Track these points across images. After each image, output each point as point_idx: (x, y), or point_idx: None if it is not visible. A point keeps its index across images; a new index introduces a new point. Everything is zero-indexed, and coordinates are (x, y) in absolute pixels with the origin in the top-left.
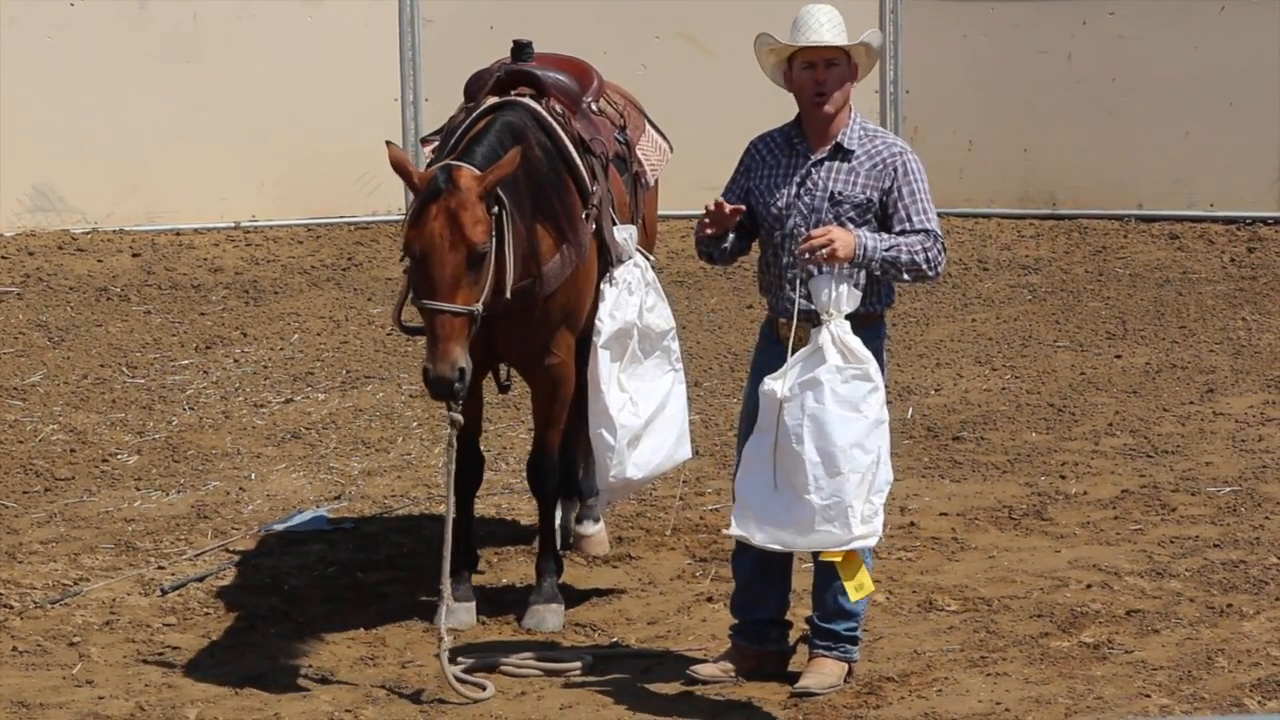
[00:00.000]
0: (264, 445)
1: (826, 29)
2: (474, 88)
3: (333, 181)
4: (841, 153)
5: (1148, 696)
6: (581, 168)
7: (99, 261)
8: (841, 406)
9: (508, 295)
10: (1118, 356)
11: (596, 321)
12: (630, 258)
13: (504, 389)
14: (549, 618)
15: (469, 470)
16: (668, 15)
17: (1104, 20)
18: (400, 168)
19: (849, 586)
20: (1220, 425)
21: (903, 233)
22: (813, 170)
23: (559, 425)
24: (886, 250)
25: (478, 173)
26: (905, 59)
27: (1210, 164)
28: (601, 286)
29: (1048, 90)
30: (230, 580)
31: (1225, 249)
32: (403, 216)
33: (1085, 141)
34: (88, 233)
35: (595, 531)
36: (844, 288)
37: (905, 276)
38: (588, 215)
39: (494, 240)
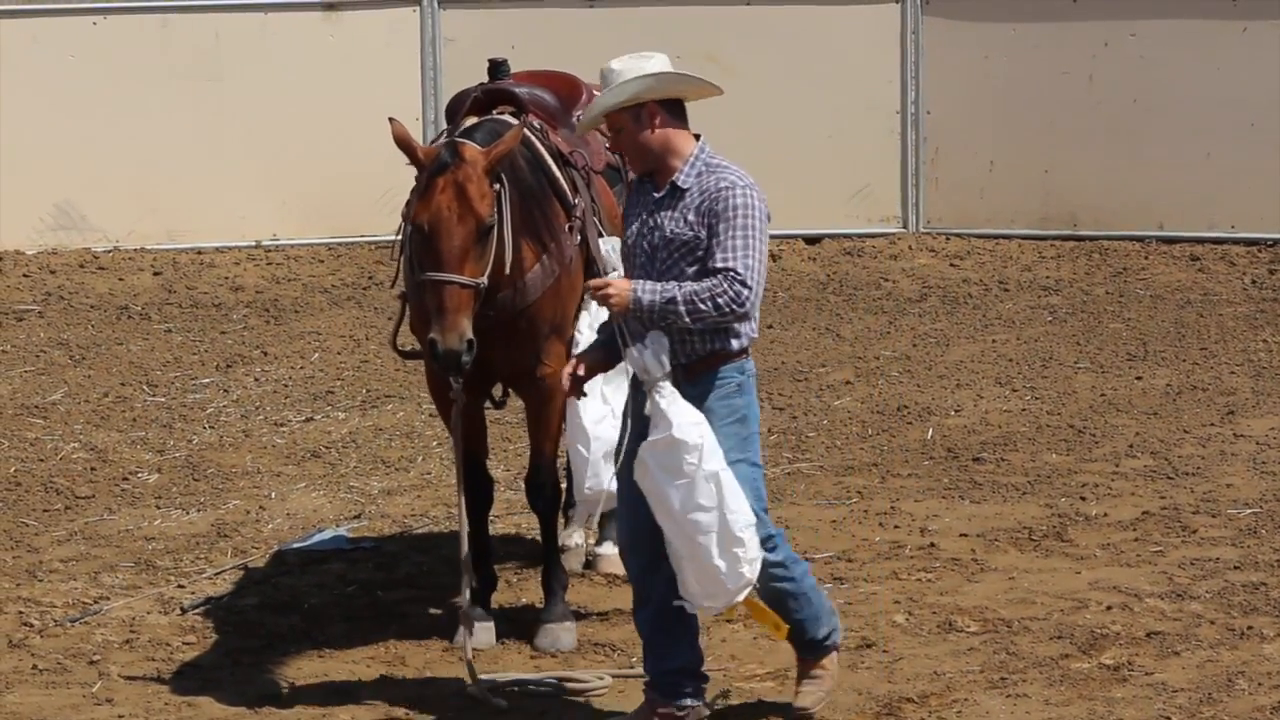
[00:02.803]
0: (284, 464)
1: (600, 100)
2: (454, 109)
3: (354, 200)
4: (676, 192)
5: (1168, 719)
6: (561, 180)
7: (120, 280)
8: (666, 475)
9: (507, 271)
10: (1138, 378)
11: (575, 334)
12: (616, 269)
13: (499, 405)
14: (563, 636)
15: (479, 492)
16: (690, 36)
17: (1125, 41)
18: (403, 143)
19: (770, 632)
20: (1241, 447)
21: (708, 273)
22: (654, 211)
23: (555, 438)
24: (665, 301)
25: (481, 148)
26: (926, 80)
27: (1231, 185)
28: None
29: (1069, 111)
30: (250, 599)
31: (1246, 270)
32: None
33: (1106, 162)
34: (109, 251)
35: (613, 552)
36: (646, 352)
37: (704, 321)
38: (571, 227)
39: (496, 216)
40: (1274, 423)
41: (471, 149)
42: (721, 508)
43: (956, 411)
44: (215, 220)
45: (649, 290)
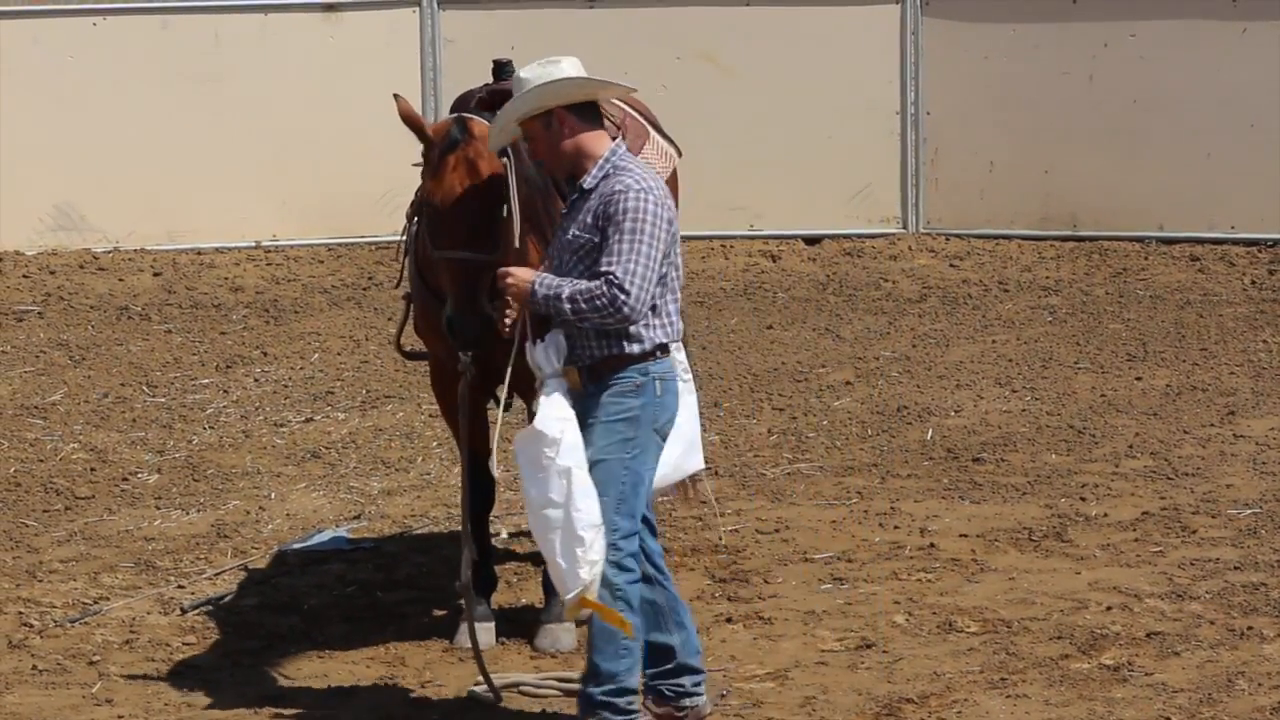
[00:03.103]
0: (284, 464)
1: (507, 109)
2: (458, 109)
3: (354, 201)
4: (583, 194)
5: (1168, 719)
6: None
7: (120, 280)
8: (529, 467)
9: (516, 244)
10: (1138, 378)
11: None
12: None
13: (506, 406)
14: (563, 636)
15: (481, 492)
16: (689, 36)
17: (1125, 42)
18: (411, 119)
19: (619, 629)
20: (1241, 448)
21: (595, 275)
22: (568, 212)
23: None
24: (554, 297)
25: (489, 124)
26: (926, 80)
27: (1231, 185)
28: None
29: (1069, 112)
30: (250, 599)
31: (1246, 271)
32: None
33: (1106, 163)
34: (109, 252)
35: None
36: (539, 349)
37: (589, 322)
38: None
39: (507, 191)
40: (1274, 423)
41: (480, 124)
42: (568, 504)
43: (956, 412)
44: (215, 221)
45: (544, 284)
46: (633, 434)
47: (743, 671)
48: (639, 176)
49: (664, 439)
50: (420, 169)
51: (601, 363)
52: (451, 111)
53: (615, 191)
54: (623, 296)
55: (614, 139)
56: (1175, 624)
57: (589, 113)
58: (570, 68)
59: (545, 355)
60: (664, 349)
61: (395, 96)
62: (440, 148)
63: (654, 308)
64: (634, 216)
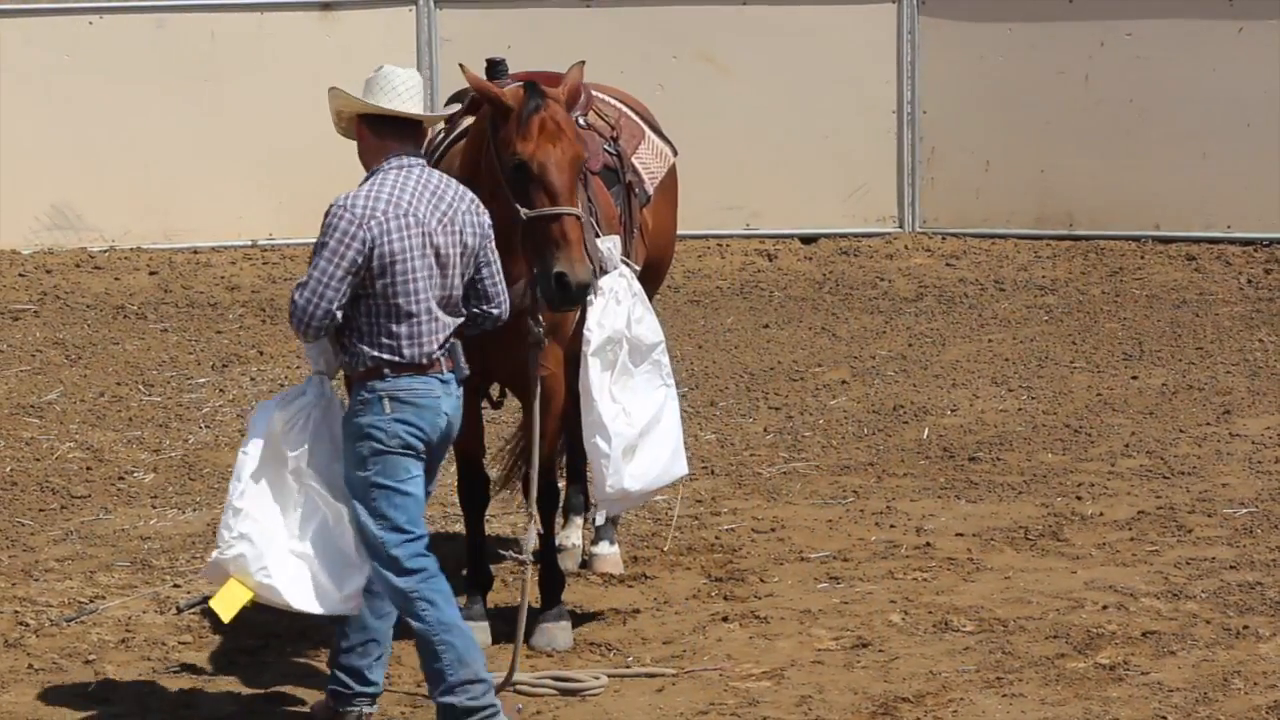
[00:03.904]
0: None
1: (417, 100)
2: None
3: None
4: None
5: (1164, 718)
6: None
7: (116, 279)
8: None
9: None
10: (1134, 377)
11: (585, 331)
12: (615, 268)
13: (496, 405)
14: (559, 635)
15: (476, 491)
16: (685, 35)
17: (1121, 41)
18: (482, 88)
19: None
20: (1237, 447)
21: None
22: None
23: (551, 438)
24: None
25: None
26: (922, 79)
27: (1228, 185)
28: (588, 297)
29: (1065, 111)
30: None
31: (1242, 270)
32: None
33: (1102, 162)
34: (105, 251)
35: (609, 552)
36: (312, 349)
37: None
38: None
39: None
40: (1270, 422)
41: (550, 90)
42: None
43: (953, 411)
44: (211, 220)
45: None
46: (366, 451)
47: (739, 670)
48: (350, 193)
49: (432, 456)
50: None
51: (348, 374)
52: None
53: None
54: (293, 306)
55: (422, 156)
56: (1171, 623)
57: (386, 128)
58: (383, 83)
59: (310, 354)
60: (394, 367)
61: (461, 67)
62: (525, 109)
63: (367, 326)
64: (324, 230)
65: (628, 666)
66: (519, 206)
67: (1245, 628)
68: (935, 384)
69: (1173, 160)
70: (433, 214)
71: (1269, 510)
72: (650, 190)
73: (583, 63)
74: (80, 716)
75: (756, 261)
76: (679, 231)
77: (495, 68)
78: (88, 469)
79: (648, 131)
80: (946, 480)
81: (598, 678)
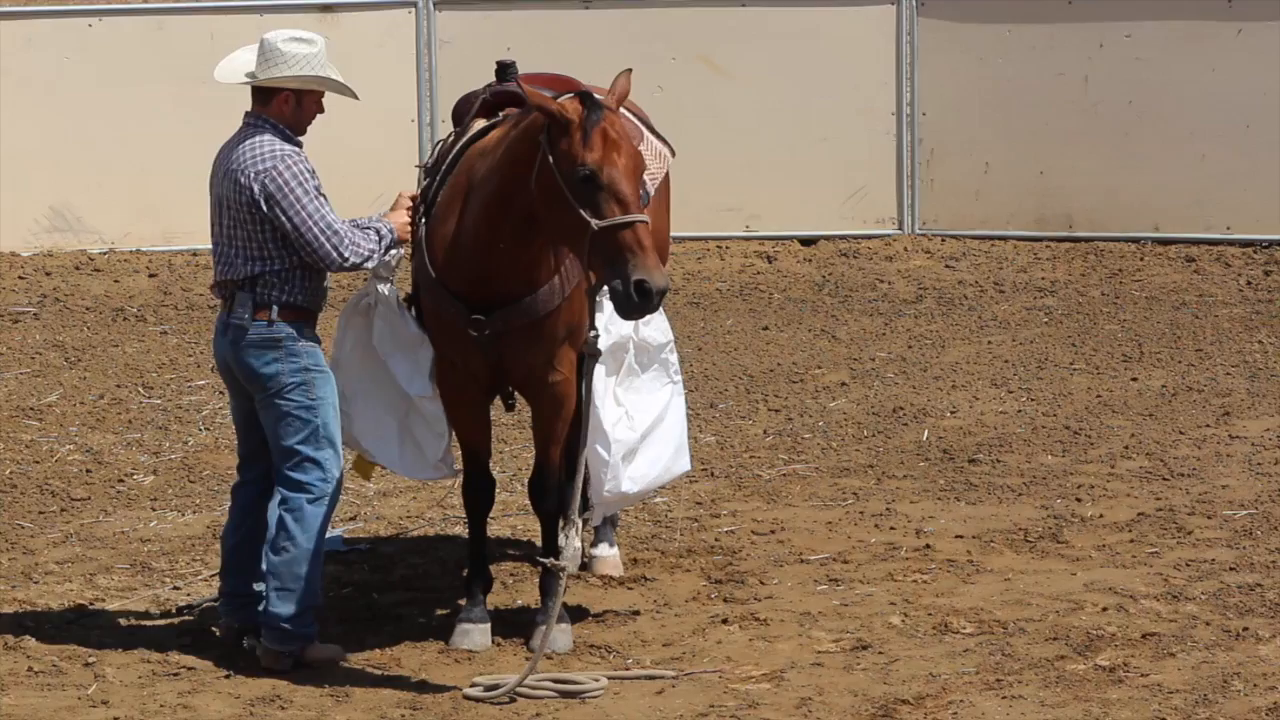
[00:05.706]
0: None
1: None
2: (461, 111)
3: (349, 202)
4: None
5: None
6: None
7: (115, 282)
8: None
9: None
10: (1134, 379)
11: (590, 335)
12: None
13: (510, 407)
14: (558, 638)
15: (481, 493)
16: (684, 37)
17: (1121, 43)
18: (539, 102)
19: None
20: (1236, 448)
21: None
22: None
23: (561, 442)
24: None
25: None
26: (921, 81)
27: (1227, 187)
28: (598, 299)
29: (1064, 113)
30: None
31: (1242, 272)
32: None
33: (1101, 164)
34: (105, 253)
35: (609, 554)
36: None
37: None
38: None
39: None
40: (1269, 424)
41: (604, 99)
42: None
43: (952, 413)
44: None
45: None
46: None
47: (739, 672)
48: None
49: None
50: (419, 169)
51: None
52: (454, 113)
53: None
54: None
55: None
56: (1171, 625)
57: (259, 95)
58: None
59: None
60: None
61: (520, 85)
62: (587, 120)
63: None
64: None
65: (627, 669)
66: (589, 218)
67: (1245, 629)
68: (935, 386)
69: (1172, 162)
70: None
71: (1269, 512)
72: (651, 191)
73: (629, 70)
74: (80, 719)
75: (756, 263)
76: (678, 233)
77: (505, 70)
78: (87, 471)
79: (646, 132)
80: (946, 482)
81: (598, 680)
